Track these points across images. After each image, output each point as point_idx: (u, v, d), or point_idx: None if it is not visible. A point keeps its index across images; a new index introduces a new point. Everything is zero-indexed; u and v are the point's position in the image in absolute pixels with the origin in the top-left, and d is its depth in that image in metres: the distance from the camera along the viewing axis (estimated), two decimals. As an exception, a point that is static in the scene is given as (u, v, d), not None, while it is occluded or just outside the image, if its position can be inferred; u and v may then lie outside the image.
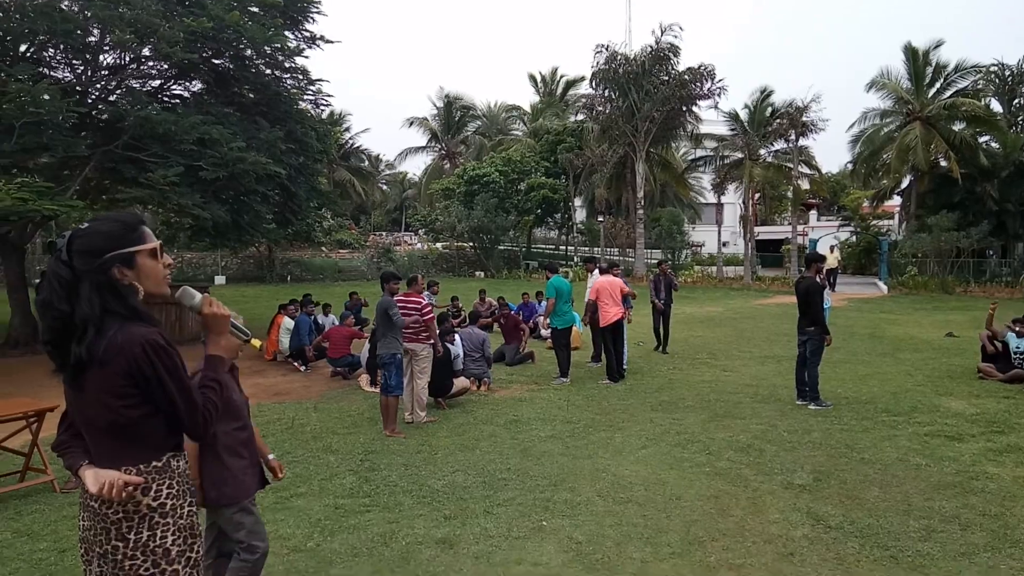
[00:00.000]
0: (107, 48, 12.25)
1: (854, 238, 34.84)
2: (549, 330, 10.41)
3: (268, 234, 15.73)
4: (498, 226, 33.72)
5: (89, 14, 10.87)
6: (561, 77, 47.60)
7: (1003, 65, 28.46)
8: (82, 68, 12.55)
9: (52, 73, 12.23)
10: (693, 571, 3.98)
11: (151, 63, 13.08)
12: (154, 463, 2.03)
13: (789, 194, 33.07)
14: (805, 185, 35.01)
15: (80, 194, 12.28)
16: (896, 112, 29.72)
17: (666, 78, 30.34)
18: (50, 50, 12.08)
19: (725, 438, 6.71)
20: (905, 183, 30.67)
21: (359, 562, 4.12)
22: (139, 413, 1.97)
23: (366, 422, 7.53)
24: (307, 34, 14.33)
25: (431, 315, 7.55)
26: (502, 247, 37.23)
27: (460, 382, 8.35)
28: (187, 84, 14.30)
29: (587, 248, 39.01)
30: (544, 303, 11.00)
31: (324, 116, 23.83)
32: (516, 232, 39.16)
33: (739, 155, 31.28)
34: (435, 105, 49.06)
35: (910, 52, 28.26)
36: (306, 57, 15.20)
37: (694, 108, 31.79)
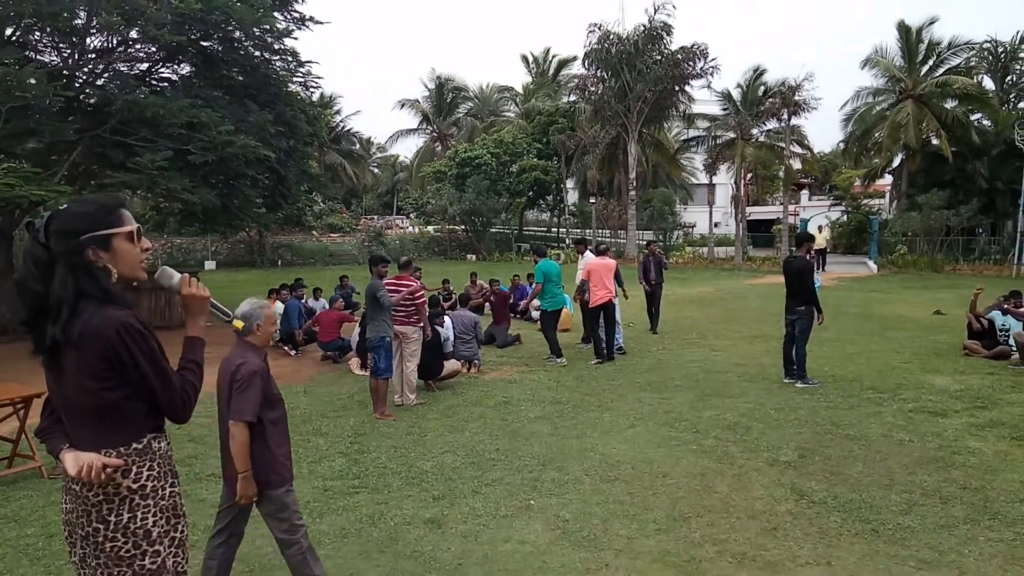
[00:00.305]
0: (94, 31, 12.08)
1: (845, 217, 34.93)
2: (539, 312, 10.44)
3: (258, 218, 15.64)
4: (490, 208, 33.63)
5: (76, -4, 10.73)
6: (553, 57, 47.38)
7: (996, 42, 28.46)
8: (69, 52, 12.39)
9: (39, 57, 12.07)
10: (678, 546, 4.04)
11: (139, 46, 12.92)
12: (134, 445, 2.04)
13: (781, 174, 33.07)
14: (797, 165, 35.03)
15: (68, 179, 12.17)
16: (889, 90, 29.71)
17: (659, 57, 30.20)
18: (36, 33, 11.91)
19: (712, 416, 6.77)
20: (896, 162, 30.74)
21: (347, 543, 4.16)
22: (118, 395, 1.98)
23: (356, 405, 7.56)
24: (296, 15, 14.13)
25: (423, 299, 7.56)
26: (494, 230, 37.18)
27: (450, 365, 8.38)
28: (175, 67, 14.15)
29: (579, 230, 39.01)
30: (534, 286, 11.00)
31: (314, 98, 23.67)
32: (508, 214, 39.08)
33: (731, 135, 31.24)
34: (427, 87, 48.85)
35: (903, 30, 28.17)
36: (295, 39, 15.02)
37: (687, 88, 31.67)
